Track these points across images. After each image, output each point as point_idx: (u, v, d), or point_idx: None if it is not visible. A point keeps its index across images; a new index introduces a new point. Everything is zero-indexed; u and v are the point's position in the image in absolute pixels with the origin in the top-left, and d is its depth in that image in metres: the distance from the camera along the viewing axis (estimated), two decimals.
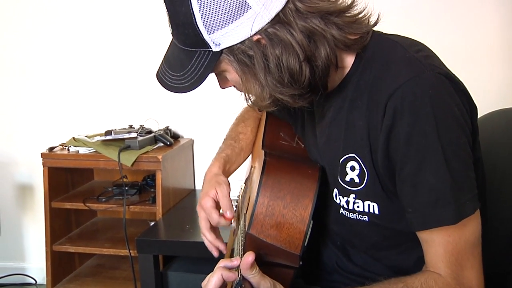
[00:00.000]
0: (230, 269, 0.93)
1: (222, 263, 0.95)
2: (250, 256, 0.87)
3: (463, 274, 0.86)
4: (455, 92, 0.88)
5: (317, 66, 0.88)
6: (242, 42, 0.87)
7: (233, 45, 0.87)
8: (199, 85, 0.92)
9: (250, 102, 0.98)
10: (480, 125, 0.94)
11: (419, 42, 0.96)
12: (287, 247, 0.94)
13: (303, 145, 1.14)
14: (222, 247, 1.10)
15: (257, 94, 0.92)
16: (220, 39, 0.87)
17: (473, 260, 0.87)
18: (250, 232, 0.95)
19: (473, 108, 0.92)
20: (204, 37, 0.87)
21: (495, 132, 1.11)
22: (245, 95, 0.96)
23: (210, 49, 0.89)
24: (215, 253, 1.12)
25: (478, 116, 0.94)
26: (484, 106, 0.96)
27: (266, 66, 0.88)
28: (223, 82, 1.00)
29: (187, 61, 0.92)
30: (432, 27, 2.08)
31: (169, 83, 0.97)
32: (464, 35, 2.12)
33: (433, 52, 0.94)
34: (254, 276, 0.88)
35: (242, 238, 1.01)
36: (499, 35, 2.12)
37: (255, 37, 0.86)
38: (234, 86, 0.99)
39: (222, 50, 0.88)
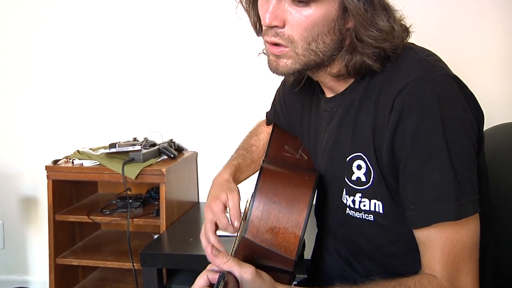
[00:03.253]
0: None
1: (209, 266, 0.95)
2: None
3: (458, 278, 0.86)
4: (463, 95, 0.89)
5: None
6: None
7: None
8: None
9: (298, 50, 0.93)
10: (485, 138, 0.94)
11: (429, 50, 0.98)
12: (283, 251, 0.95)
13: (306, 157, 1.15)
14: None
15: (334, 36, 0.91)
16: None
17: (470, 265, 0.87)
18: (246, 236, 0.96)
19: (479, 114, 0.93)
20: None
21: (500, 146, 1.11)
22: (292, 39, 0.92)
23: None
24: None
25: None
26: (488, 119, 0.96)
27: (371, 23, 0.89)
28: (282, 10, 0.91)
29: None
30: (437, 41, 2.08)
31: None
32: (468, 48, 2.13)
33: (442, 60, 0.96)
34: (227, 264, 0.87)
35: (236, 241, 1.01)
36: (503, 49, 2.13)
37: None
38: (275, 27, 0.92)
39: None
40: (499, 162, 1.07)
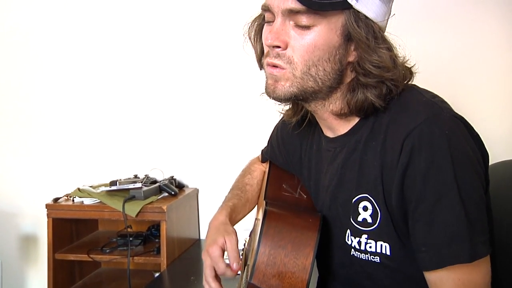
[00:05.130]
0: None
1: None
2: None
3: None
4: (470, 136, 0.90)
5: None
6: (371, 20, 0.91)
7: (364, 14, 0.90)
8: (315, 8, 0.89)
9: (292, 71, 0.94)
10: None
11: (432, 91, 0.98)
12: None
13: (305, 196, 1.14)
14: None
15: (335, 63, 0.93)
16: None
17: None
18: (252, 282, 0.95)
19: (485, 155, 0.94)
20: None
21: (501, 183, 1.10)
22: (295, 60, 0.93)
23: None
24: None
25: None
26: (490, 157, 0.96)
27: (373, 50, 0.91)
28: (285, 32, 0.93)
29: None
30: (436, 78, 2.10)
31: None
32: (470, 85, 2.14)
33: (446, 101, 0.97)
34: None
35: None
36: (505, 86, 2.13)
37: (380, 24, 0.92)
38: (277, 47, 0.93)
39: (352, 6, 0.89)
40: (500, 198, 1.07)
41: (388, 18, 0.96)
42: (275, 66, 0.95)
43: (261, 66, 1.06)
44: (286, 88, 0.95)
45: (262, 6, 0.97)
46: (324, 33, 0.91)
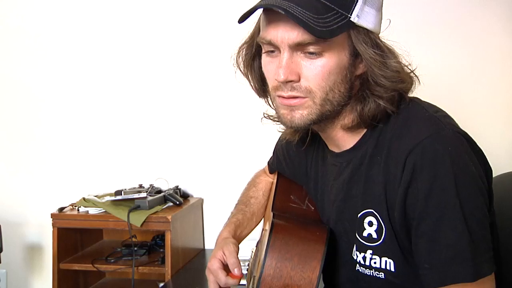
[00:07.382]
0: None
1: None
2: None
3: None
4: (473, 152, 0.89)
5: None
6: (371, 32, 0.91)
7: (365, 28, 0.90)
8: (327, 37, 0.87)
9: (316, 102, 0.92)
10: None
11: (436, 105, 0.98)
12: None
13: (313, 208, 1.14)
14: None
15: (341, 84, 0.92)
16: (362, 13, 0.89)
17: None
18: None
19: (488, 170, 0.93)
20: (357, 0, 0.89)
21: (506, 196, 1.10)
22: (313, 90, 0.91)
23: (348, 16, 0.88)
24: None
25: None
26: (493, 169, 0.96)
27: (384, 64, 0.91)
28: (295, 64, 0.91)
29: (324, 11, 0.87)
30: (438, 88, 2.10)
31: (297, 15, 0.85)
32: (471, 96, 2.14)
33: (449, 115, 0.96)
34: None
35: None
36: (508, 96, 2.13)
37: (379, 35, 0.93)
38: (291, 82, 0.91)
39: (355, 24, 0.89)
40: (503, 211, 1.06)
41: (381, 23, 0.96)
42: (293, 97, 0.92)
43: (259, 95, 1.05)
44: (305, 116, 0.93)
45: (260, 39, 0.94)
46: (335, 57, 0.90)
